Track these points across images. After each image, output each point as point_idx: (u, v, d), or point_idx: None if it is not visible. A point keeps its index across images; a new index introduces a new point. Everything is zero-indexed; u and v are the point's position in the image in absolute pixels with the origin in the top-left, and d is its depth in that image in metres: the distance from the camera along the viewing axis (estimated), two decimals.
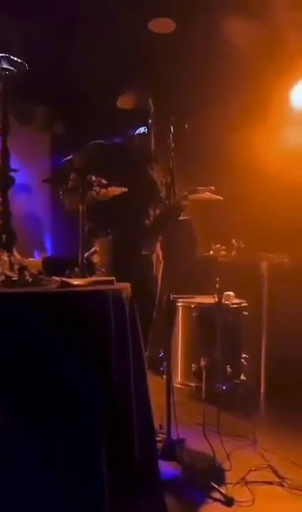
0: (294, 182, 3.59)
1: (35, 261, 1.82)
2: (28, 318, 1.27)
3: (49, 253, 4.40)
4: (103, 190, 1.92)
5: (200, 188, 2.43)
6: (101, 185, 1.90)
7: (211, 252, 3.81)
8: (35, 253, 4.29)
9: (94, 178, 1.90)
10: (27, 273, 1.50)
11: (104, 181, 1.91)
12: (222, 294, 2.58)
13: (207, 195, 2.45)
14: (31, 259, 1.86)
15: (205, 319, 2.63)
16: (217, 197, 2.47)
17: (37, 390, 1.26)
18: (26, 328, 1.26)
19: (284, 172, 3.63)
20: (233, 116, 3.67)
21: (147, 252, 2.40)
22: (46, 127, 5.06)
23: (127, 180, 2.27)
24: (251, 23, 3.27)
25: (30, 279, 1.49)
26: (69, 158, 2.08)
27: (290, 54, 3.44)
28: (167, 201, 2.27)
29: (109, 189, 1.97)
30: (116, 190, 2.00)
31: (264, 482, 2.07)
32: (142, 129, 2.33)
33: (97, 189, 1.88)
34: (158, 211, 2.48)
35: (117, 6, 3.30)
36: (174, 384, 2.35)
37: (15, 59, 1.57)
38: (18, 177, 1.59)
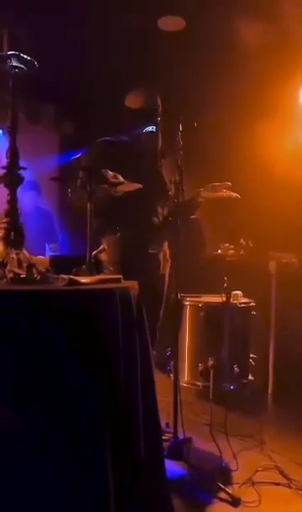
0: None
1: (43, 259, 1.83)
2: (35, 316, 1.27)
3: (61, 249, 4.40)
4: (119, 186, 1.92)
5: (217, 184, 2.42)
6: (117, 180, 1.90)
7: (220, 251, 3.80)
8: (47, 248, 4.31)
9: (110, 173, 1.90)
10: (35, 270, 1.51)
11: (120, 177, 1.92)
12: (230, 293, 2.56)
13: (224, 192, 2.44)
14: (40, 257, 1.87)
15: (212, 318, 2.62)
16: (234, 195, 2.45)
17: (41, 389, 1.26)
18: (33, 326, 1.26)
19: (294, 171, 3.61)
20: (243, 115, 3.65)
21: (154, 250, 2.39)
22: (55, 125, 5.08)
23: (136, 178, 2.27)
24: (260, 21, 3.25)
25: (38, 277, 1.50)
26: (77, 157, 2.09)
27: (300, 54, 3.42)
28: (175, 200, 2.26)
29: (124, 184, 1.97)
30: (131, 186, 2.00)
31: (271, 482, 2.06)
32: (150, 128, 2.32)
33: (113, 183, 1.88)
34: (166, 210, 2.47)
35: (127, 4, 3.30)
36: (181, 384, 2.34)
37: (25, 57, 1.57)
38: (27, 175, 1.59)
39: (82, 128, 4.60)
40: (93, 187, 1.76)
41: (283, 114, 3.79)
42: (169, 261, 2.46)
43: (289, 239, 3.67)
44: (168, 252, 2.48)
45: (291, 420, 2.86)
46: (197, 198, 2.46)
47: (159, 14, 3.59)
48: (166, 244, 2.45)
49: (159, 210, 2.44)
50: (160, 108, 2.37)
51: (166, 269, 2.46)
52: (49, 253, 4.05)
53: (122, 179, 2.05)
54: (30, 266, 1.51)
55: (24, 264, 1.51)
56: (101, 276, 1.73)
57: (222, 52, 3.55)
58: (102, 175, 1.99)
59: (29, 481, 1.24)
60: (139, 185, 2.02)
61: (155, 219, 2.41)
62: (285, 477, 2.10)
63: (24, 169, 1.57)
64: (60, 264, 1.70)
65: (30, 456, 1.24)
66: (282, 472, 2.14)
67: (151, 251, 2.38)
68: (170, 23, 3.67)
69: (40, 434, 1.24)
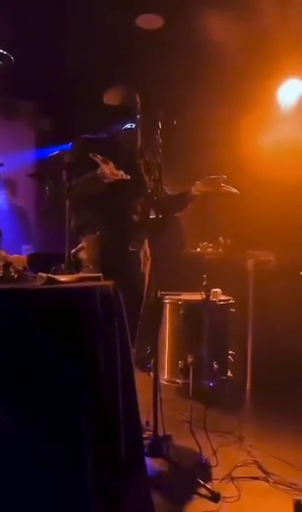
0: (282, 180, 3.62)
1: (21, 257, 1.80)
2: (13, 315, 1.25)
3: (35, 249, 4.34)
4: (110, 171, 1.92)
5: (214, 177, 2.38)
6: (107, 164, 1.89)
7: (199, 249, 3.82)
8: (23, 249, 4.24)
9: (99, 157, 1.89)
10: (12, 269, 1.48)
11: (111, 163, 1.91)
12: (210, 291, 2.58)
13: (224, 187, 2.38)
14: (17, 255, 1.84)
15: (192, 316, 2.63)
16: (234, 190, 2.41)
17: (21, 388, 1.25)
18: (10, 325, 1.24)
19: (272, 169, 3.65)
20: (221, 113, 3.67)
21: (134, 248, 2.38)
22: (32, 121, 5.01)
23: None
24: (239, 19, 3.27)
25: (15, 276, 1.47)
26: (55, 153, 2.06)
27: (278, 52, 3.46)
28: (155, 197, 2.26)
29: (114, 171, 1.97)
30: (121, 174, 2.00)
31: (250, 477, 2.09)
32: (129, 125, 2.31)
33: (105, 168, 1.88)
34: (156, 205, 2.41)
35: (105, 1, 3.28)
36: (161, 381, 2.35)
37: (1, 51, 1.54)
38: (3, 171, 1.56)
39: (59, 124, 4.55)
40: (72, 184, 1.74)
41: (262, 113, 3.83)
42: (150, 259, 2.45)
43: (267, 238, 3.72)
44: (148, 250, 2.47)
45: (269, 415, 2.90)
46: (191, 191, 2.42)
47: (138, 12, 3.58)
48: (146, 242, 2.44)
49: (139, 208, 2.43)
50: (139, 105, 2.36)
51: (146, 268, 2.45)
52: (25, 253, 3.99)
53: (112, 164, 2.03)
54: (7, 265, 1.48)
55: (1, 263, 1.48)
56: (81, 275, 1.72)
57: (201, 50, 3.57)
58: (91, 160, 1.98)
59: (13, 479, 1.22)
60: (127, 177, 2.02)
61: (135, 217, 2.40)
62: (264, 471, 2.13)
63: (1, 165, 1.54)
64: (38, 263, 1.68)
65: (14, 454, 1.22)
66: (260, 467, 2.17)
67: (131, 249, 2.37)
68: (149, 22, 3.66)
69: (23, 432, 1.23)
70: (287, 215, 3.75)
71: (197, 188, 2.41)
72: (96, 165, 2.04)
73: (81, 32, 3.49)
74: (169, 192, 2.44)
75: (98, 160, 2.02)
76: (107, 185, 2.11)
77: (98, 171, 2.05)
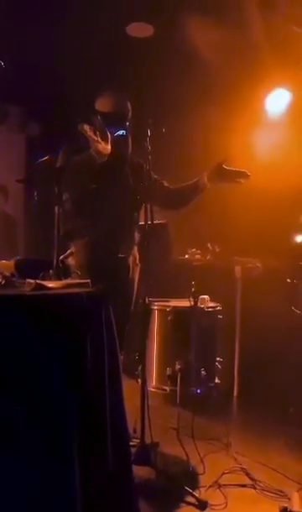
0: (270, 188, 3.65)
1: (8, 263, 1.78)
2: (0, 321, 1.24)
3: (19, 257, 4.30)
4: (102, 147, 1.92)
5: (231, 169, 2.37)
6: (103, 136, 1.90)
7: (187, 256, 3.83)
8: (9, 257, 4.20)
9: (89, 129, 1.90)
10: None
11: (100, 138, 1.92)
12: (198, 297, 2.59)
13: (239, 181, 2.36)
14: (4, 261, 1.82)
15: (180, 322, 2.64)
16: (246, 173, 2.37)
17: (7, 394, 1.23)
18: None
19: (260, 178, 3.68)
20: (210, 120, 3.71)
21: (124, 254, 2.38)
22: (21, 127, 4.99)
23: (106, 182, 2.26)
24: (228, 30, 3.32)
25: (3, 282, 1.46)
26: (44, 159, 2.05)
27: (266, 61, 3.52)
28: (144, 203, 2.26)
29: (107, 146, 1.98)
30: (108, 148, 2.03)
31: (237, 485, 2.09)
32: (120, 132, 2.32)
33: (96, 145, 1.87)
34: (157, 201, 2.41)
35: (97, 8, 3.30)
36: (149, 388, 2.34)
37: None
38: None
39: (49, 129, 4.54)
40: (61, 190, 1.74)
41: (250, 120, 3.88)
42: (139, 265, 2.45)
43: (254, 245, 3.75)
44: (138, 256, 2.47)
45: (256, 422, 2.91)
46: (202, 181, 2.42)
47: (129, 21, 3.61)
48: (136, 248, 2.44)
49: (127, 214, 2.43)
50: (130, 113, 2.37)
51: (136, 274, 2.45)
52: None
53: (101, 136, 2.04)
54: None
55: None
56: (69, 281, 1.71)
57: (190, 59, 3.60)
58: (80, 132, 1.99)
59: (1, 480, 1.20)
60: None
61: (125, 223, 2.40)
62: (251, 478, 2.14)
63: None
64: (26, 269, 1.66)
65: (3, 455, 1.21)
66: (247, 474, 2.17)
67: (120, 255, 2.36)
68: (139, 30, 3.70)
69: (13, 434, 1.21)
70: (274, 222, 3.79)
71: (207, 178, 2.41)
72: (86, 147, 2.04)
73: (71, 39, 3.51)
74: (169, 186, 2.46)
75: (88, 134, 2.02)
76: (101, 166, 2.11)
77: (91, 151, 2.05)
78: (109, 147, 2.10)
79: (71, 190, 2.15)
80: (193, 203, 2.53)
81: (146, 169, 2.25)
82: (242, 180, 2.43)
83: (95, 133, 2.05)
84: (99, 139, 2.06)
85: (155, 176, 2.38)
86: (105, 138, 2.10)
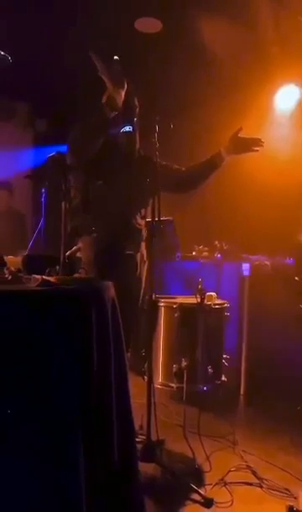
0: (277, 186, 3.63)
1: (15, 259, 1.78)
2: (6, 316, 1.24)
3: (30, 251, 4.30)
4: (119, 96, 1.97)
5: (247, 137, 2.38)
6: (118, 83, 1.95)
7: (194, 253, 3.82)
8: (19, 253, 4.21)
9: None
10: (6, 270, 1.47)
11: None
12: (205, 294, 2.57)
13: (255, 149, 2.36)
14: (11, 257, 1.82)
15: (187, 319, 2.62)
16: (260, 140, 2.38)
17: (12, 391, 1.23)
18: (3, 326, 1.23)
19: (268, 176, 3.66)
20: (218, 117, 3.68)
21: (131, 251, 2.37)
22: (29, 123, 5.00)
23: (113, 178, 2.25)
24: (237, 25, 3.29)
25: (9, 277, 1.46)
26: (52, 154, 2.05)
27: (275, 57, 3.48)
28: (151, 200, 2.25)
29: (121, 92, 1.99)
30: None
31: (243, 482, 2.08)
32: (127, 128, 2.31)
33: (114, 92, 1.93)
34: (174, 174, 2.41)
35: (104, 4, 3.28)
36: (155, 385, 2.33)
37: None
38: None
39: (57, 125, 4.54)
40: (68, 186, 1.73)
41: (259, 117, 3.84)
42: (146, 262, 2.44)
43: (262, 242, 3.73)
44: (145, 253, 2.46)
45: (262, 420, 2.89)
46: (218, 156, 2.42)
47: (136, 16, 3.59)
48: (143, 245, 2.43)
49: (134, 211, 2.41)
50: (138, 109, 2.35)
51: (143, 271, 2.44)
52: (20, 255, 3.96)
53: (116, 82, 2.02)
54: (1, 266, 1.47)
55: None
56: (75, 276, 1.70)
57: (199, 55, 3.58)
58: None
59: (3, 478, 1.21)
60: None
61: (132, 220, 2.39)
62: (257, 477, 2.12)
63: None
64: (33, 265, 1.66)
65: (5, 453, 1.21)
66: (254, 472, 2.16)
67: (128, 252, 2.36)
68: (147, 25, 3.67)
69: (16, 431, 1.21)
70: (283, 219, 3.76)
71: (229, 151, 2.42)
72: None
73: (79, 34, 3.50)
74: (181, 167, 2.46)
75: (106, 80, 2.01)
76: (108, 162, 2.09)
77: (102, 102, 2.05)
78: (123, 94, 2.06)
79: (79, 187, 2.15)
80: (202, 187, 2.52)
81: (154, 162, 2.22)
82: (257, 148, 2.43)
83: (111, 79, 2.04)
84: (119, 90, 2.04)
85: (164, 162, 2.38)
86: (120, 85, 2.06)
